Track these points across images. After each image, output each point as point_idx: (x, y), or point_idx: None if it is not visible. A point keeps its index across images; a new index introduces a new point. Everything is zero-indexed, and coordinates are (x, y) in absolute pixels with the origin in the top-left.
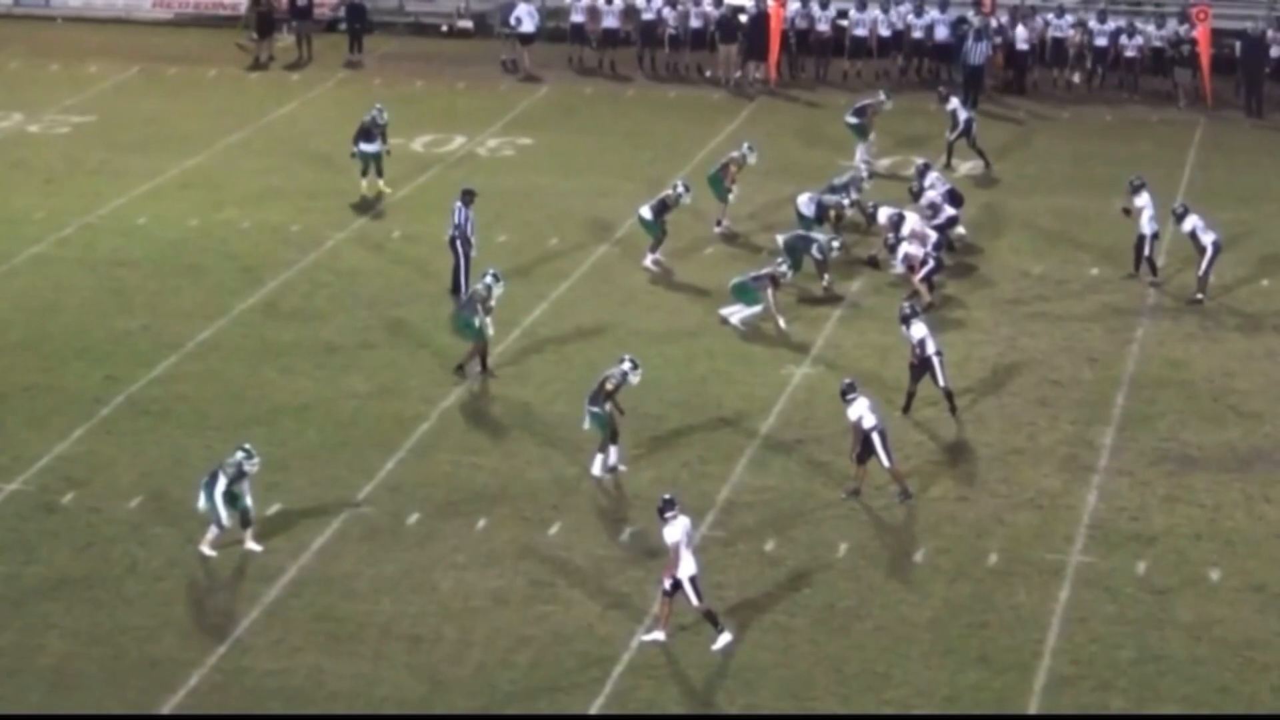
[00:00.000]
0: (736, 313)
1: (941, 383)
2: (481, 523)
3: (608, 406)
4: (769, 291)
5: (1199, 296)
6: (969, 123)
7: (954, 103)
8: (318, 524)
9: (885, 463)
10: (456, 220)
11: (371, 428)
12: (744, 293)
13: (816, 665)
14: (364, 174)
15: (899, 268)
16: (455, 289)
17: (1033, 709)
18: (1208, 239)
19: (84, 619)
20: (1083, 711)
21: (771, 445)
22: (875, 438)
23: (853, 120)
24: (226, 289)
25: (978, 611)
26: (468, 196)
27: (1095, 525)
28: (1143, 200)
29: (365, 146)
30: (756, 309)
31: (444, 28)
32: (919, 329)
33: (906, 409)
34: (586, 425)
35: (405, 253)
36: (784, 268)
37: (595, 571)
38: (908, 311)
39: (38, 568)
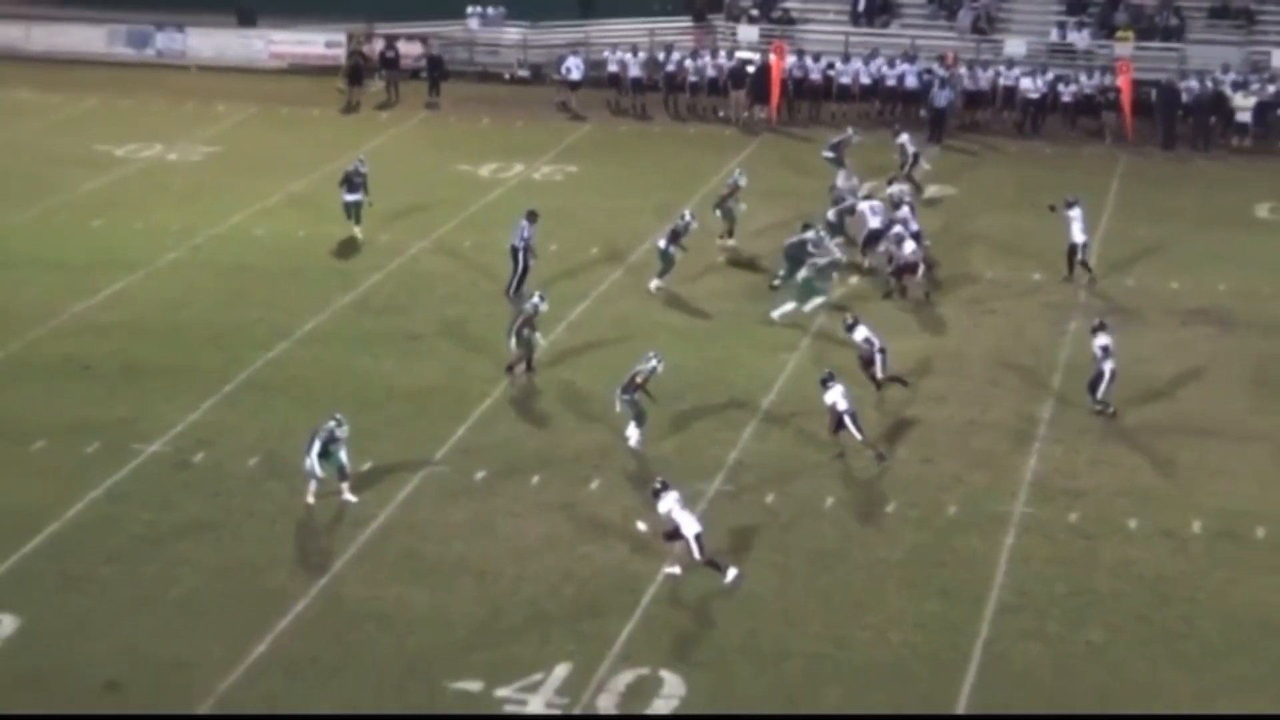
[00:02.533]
0: (786, 309)
1: (880, 375)
2: (535, 480)
3: (637, 395)
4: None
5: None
6: (916, 156)
7: (904, 138)
8: (402, 479)
9: (858, 438)
10: (524, 235)
11: (445, 402)
12: (808, 289)
13: (808, 596)
14: (350, 217)
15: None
16: (509, 291)
17: (984, 633)
18: (1079, 236)
19: (210, 556)
20: (1024, 633)
21: (771, 418)
22: (847, 419)
23: (829, 155)
24: (327, 288)
25: (939, 553)
26: (532, 215)
27: (1035, 483)
28: (1074, 214)
29: (348, 196)
30: (808, 304)
31: (506, 76)
32: (862, 331)
33: (879, 388)
34: (618, 409)
35: (474, 259)
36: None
37: (627, 519)
38: (850, 321)
39: (173, 514)
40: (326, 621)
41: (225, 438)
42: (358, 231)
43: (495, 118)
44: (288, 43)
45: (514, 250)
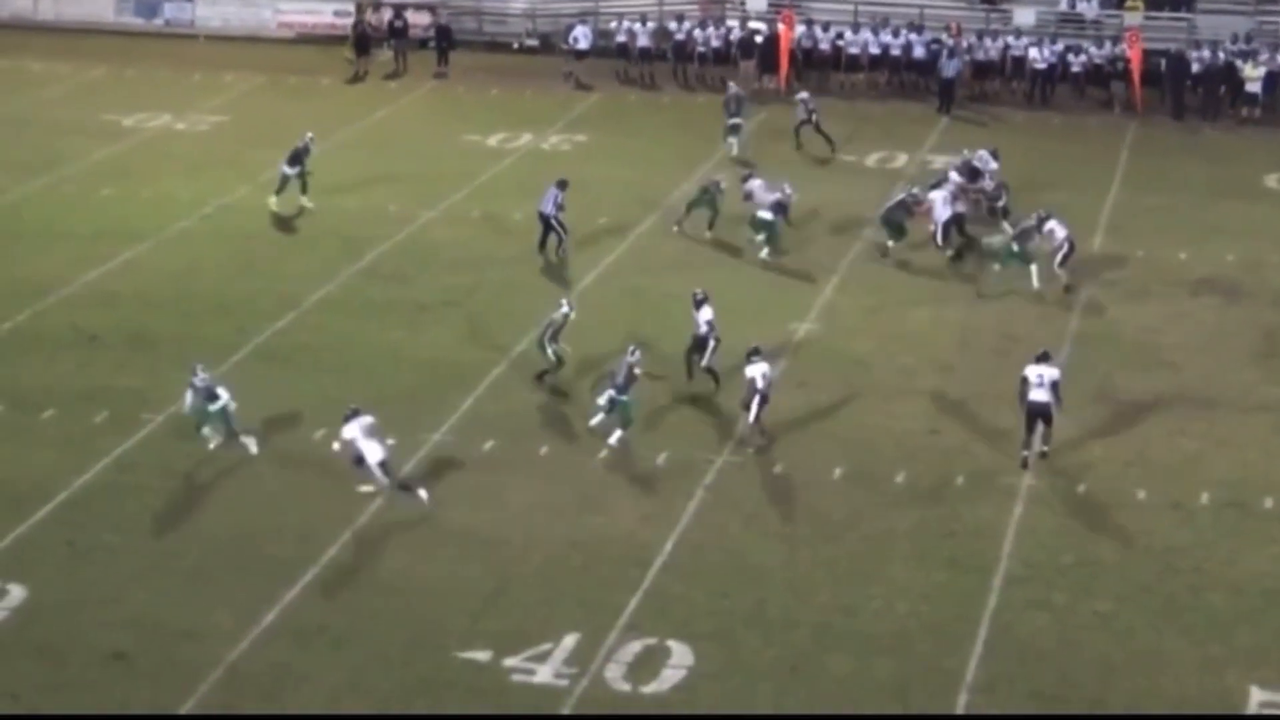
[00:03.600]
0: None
1: (705, 363)
2: (543, 449)
3: (631, 392)
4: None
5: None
6: (812, 112)
7: (803, 95)
8: (410, 448)
9: (751, 418)
10: (557, 201)
11: (454, 371)
12: (1010, 256)
13: (815, 567)
14: (279, 192)
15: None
16: (544, 250)
17: (991, 604)
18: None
19: (218, 526)
20: (1031, 604)
21: (780, 386)
22: (756, 398)
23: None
24: (335, 258)
25: (947, 524)
26: (563, 184)
27: (1044, 454)
28: (1050, 225)
29: (288, 169)
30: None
31: (515, 45)
32: (707, 313)
33: (690, 376)
34: (600, 418)
35: (483, 229)
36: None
37: (635, 489)
38: (700, 296)
39: (181, 484)
40: (335, 591)
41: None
42: (305, 200)
43: (504, 87)
44: (296, 12)
45: (543, 217)
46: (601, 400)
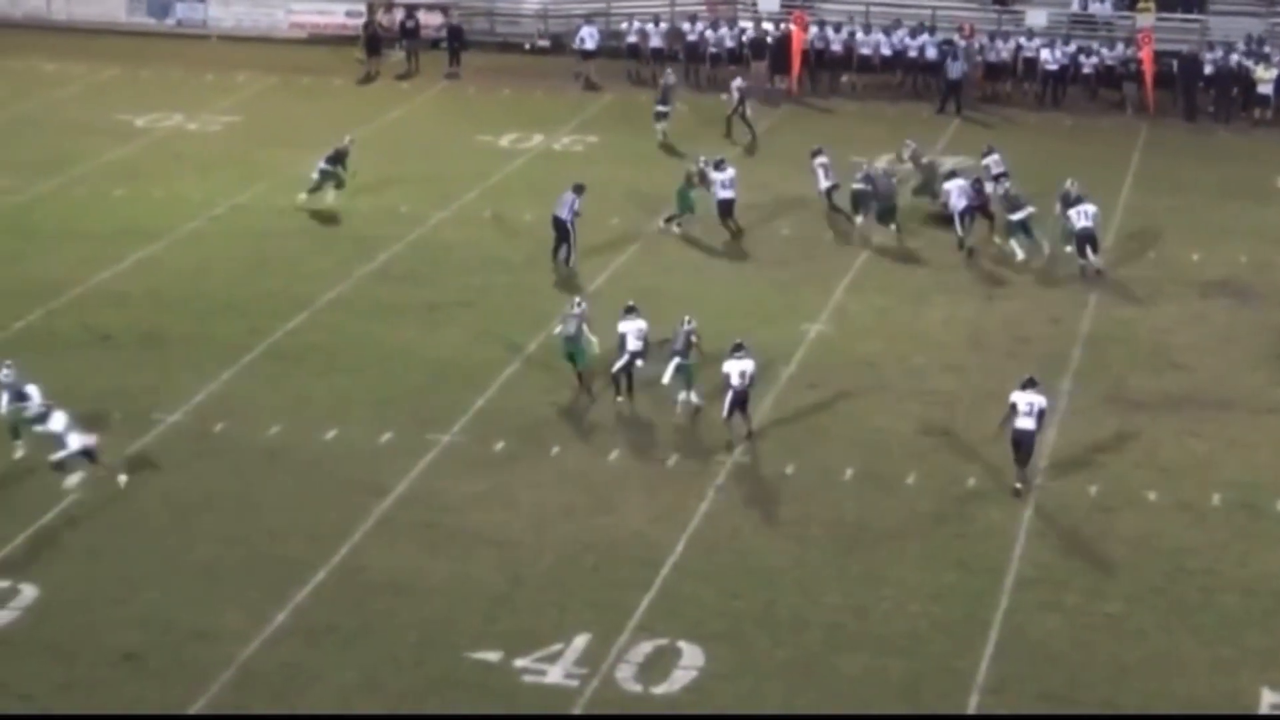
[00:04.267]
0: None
1: (615, 369)
2: (555, 449)
3: (693, 355)
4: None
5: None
6: (743, 99)
7: (736, 82)
8: (421, 449)
9: (725, 414)
10: (574, 208)
11: (465, 371)
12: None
13: (825, 567)
14: (315, 190)
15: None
16: (560, 259)
17: (1002, 605)
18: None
19: (230, 526)
20: (1043, 605)
21: (792, 387)
22: (731, 394)
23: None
24: (348, 258)
25: (958, 525)
26: (579, 189)
27: (1055, 455)
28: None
29: (325, 167)
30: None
31: (527, 46)
32: (640, 323)
33: (619, 393)
34: (669, 378)
35: (494, 229)
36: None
37: (646, 490)
38: (632, 304)
39: (192, 484)
40: (346, 591)
41: (245, 408)
42: (332, 199)
43: (515, 88)
44: (308, 12)
45: (559, 222)
46: (670, 368)
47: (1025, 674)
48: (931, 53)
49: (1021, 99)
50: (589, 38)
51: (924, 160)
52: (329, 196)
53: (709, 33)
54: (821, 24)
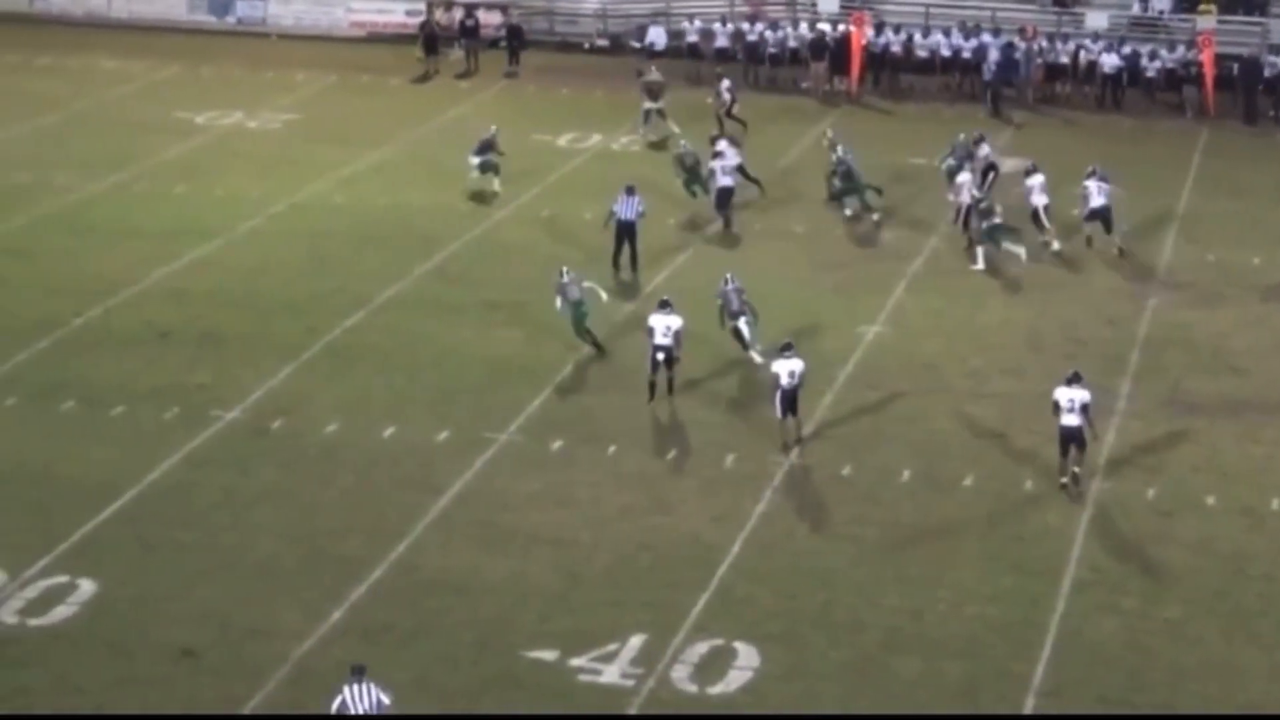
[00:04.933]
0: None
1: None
2: (611, 449)
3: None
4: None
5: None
6: (733, 98)
7: (724, 83)
8: (479, 448)
9: (777, 414)
10: (639, 209)
11: (523, 370)
12: (997, 233)
13: (883, 568)
14: (484, 173)
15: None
16: (619, 262)
17: (1059, 608)
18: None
19: (287, 523)
20: (1100, 609)
21: (849, 389)
22: (780, 394)
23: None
24: (406, 256)
25: (1016, 527)
26: (632, 189)
27: (1113, 458)
28: (1034, 181)
29: (475, 159)
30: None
31: (586, 45)
32: (674, 320)
33: (653, 397)
34: (748, 332)
35: (553, 229)
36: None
37: (703, 490)
38: (666, 299)
39: (250, 481)
40: (402, 589)
41: (303, 405)
42: (496, 185)
43: (574, 88)
44: (367, 11)
45: (629, 225)
46: (746, 332)
47: (1082, 678)
48: (995, 55)
49: (1081, 101)
50: (656, 38)
51: (839, 151)
52: (495, 184)
53: (769, 33)
54: (880, 25)
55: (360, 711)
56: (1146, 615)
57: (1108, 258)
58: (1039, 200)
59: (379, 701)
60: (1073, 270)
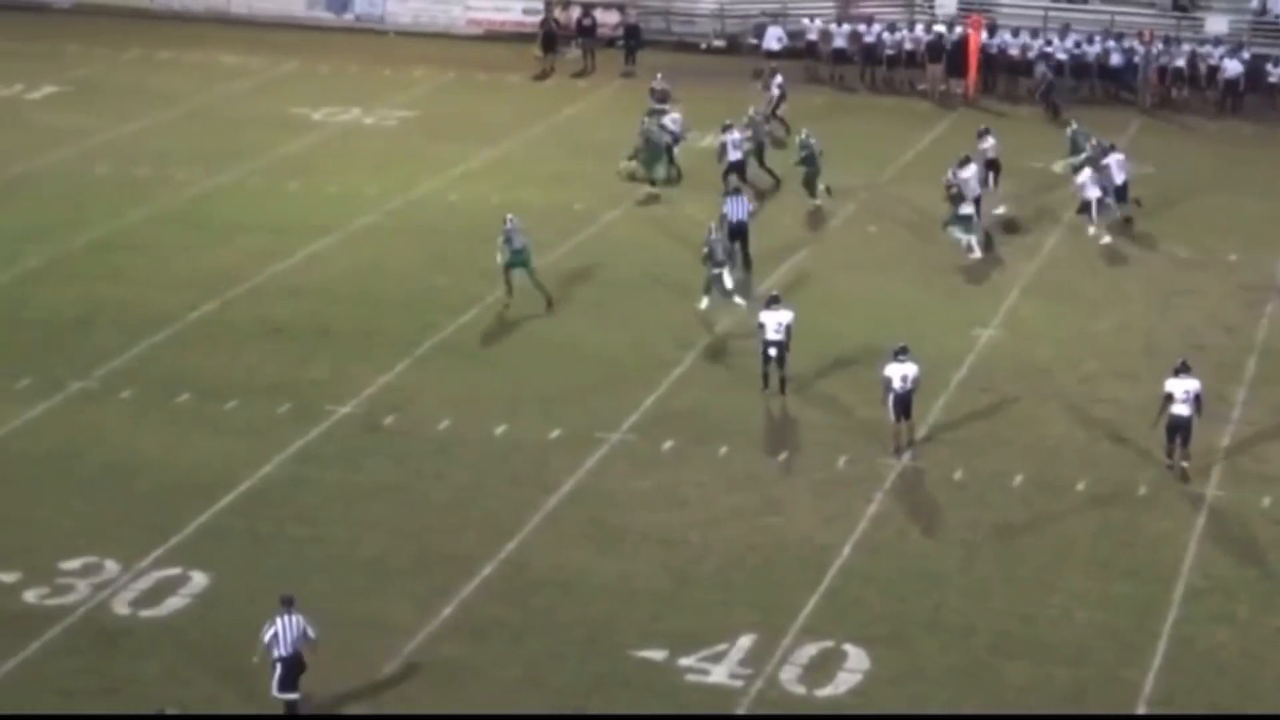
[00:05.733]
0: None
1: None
2: (723, 450)
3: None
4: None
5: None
6: (783, 95)
7: (777, 79)
8: (590, 446)
9: (890, 418)
10: (750, 210)
11: (635, 369)
12: (955, 221)
13: (993, 573)
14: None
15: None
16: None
17: (1172, 616)
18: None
19: (398, 519)
20: (1213, 617)
21: (962, 392)
22: (890, 396)
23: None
24: None
25: (1128, 533)
26: (737, 190)
27: (1228, 465)
28: (968, 172)
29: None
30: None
31: (702, 45)
32: (786, 315)
33: (766, 385)
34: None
35: (666, 228)
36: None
37: (815, 492)
38: (776, 294)
39: (362, 476)
40: (512, 587)
41: (415, 401)
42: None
43: (690, 87)
44: (485, 9)
45: (739, 226)
46: (726, 278)
47: (1194, 686)
48: (1116, 59)
49: (1199, 106)
50: (774, 39)
51: (757, 124)
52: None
53: (886, 35)
54: (990, 27)
55: (289, 639)
56: (1260, 624)
57: (1224, 265)
58: (1119, 177)
59: (304, 633)
60: (1189, 277)
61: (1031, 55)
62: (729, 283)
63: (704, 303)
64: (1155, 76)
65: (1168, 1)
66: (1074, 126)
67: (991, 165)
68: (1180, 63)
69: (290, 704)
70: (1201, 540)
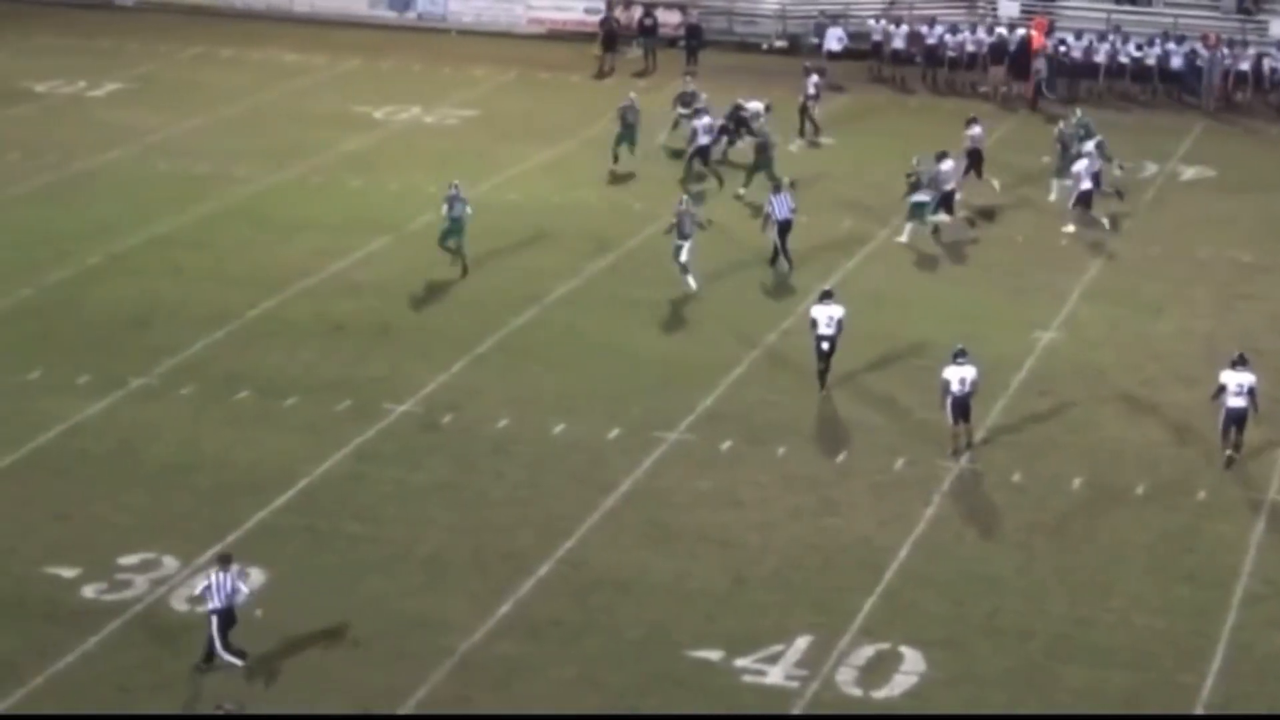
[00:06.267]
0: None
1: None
2: (781, 450)
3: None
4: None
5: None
6: (818, 93)
7: (813, 78)
8: (648, 446)
9: (948, 421)
10: (792, 206)
11: (694, 369)
12: (915, 209)
13: (1050, 576)
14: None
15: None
16: (785, 264)
17: (1230, 621)
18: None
19: (455, 517)
20: (1272, 623)
21: (1022, 395)
22: (948, 399)
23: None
24: (579, 254)
25: (1187, 538)
26: (778, 187)
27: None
28: (948, 165)
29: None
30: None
31: (764, 46)
32: (837, 310)
33: (823, 387)
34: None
35: (726, 228)
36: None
37: (873, 493)
38: (829, 289)
39: (420, 474)
40: (569, 586)
41: (474, 400)
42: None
43: (752, 88)
44: (547, 8)
45: (785, 223)
46: (684, 252)
47: (1252, 692)
48: (1177, 62)
49: (1264, 109)
50: (834, 39)
51: (689, 102)
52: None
53: (948, 36)
54: (1050, 27)
55: (221, 594)
56: None
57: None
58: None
59: (236, 589)
60: (1250, 281)
61: (1098, 58)
62: (684, 257)
63: (691, 284)
64: (1221, 80)
65: (1231, 4)
66: (1062, 126)
67: (973, 155)
68: (1244, 66)
69: (231, 663)
70: (1261, 546)
